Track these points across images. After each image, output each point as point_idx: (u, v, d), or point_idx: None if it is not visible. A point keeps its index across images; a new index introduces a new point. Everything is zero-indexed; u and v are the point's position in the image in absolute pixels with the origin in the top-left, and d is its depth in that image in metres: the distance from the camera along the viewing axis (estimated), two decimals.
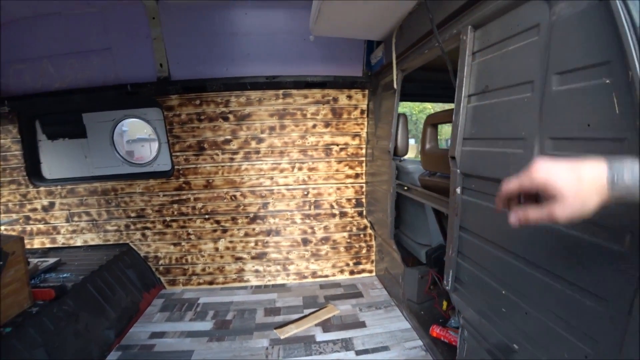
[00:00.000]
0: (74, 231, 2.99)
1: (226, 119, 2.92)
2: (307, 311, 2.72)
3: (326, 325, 2.53)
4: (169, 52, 2.64)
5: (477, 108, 1.46)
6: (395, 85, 2.37)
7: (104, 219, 2.98)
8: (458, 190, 1.59)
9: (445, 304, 2.51)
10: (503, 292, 1.30)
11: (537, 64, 1.08)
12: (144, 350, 2.26)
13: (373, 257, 3.36)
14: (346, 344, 2.31)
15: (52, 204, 2.94)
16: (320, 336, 2.41)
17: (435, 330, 2.25)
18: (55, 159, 2.89)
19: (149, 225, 3.01)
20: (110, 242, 3.02)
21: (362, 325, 2.55)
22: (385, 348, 2.28)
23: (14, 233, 2.96)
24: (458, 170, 1.58)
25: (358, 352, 2.23)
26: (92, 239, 3.01)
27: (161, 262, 3.08)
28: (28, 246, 2.97)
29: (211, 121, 2.91)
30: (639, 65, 0.74)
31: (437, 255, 2.52)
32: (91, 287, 2.39)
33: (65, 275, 2.40)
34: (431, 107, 12.97)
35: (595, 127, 0.89)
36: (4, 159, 2.81)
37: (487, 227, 1.42)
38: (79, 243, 3.02)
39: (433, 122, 2.18)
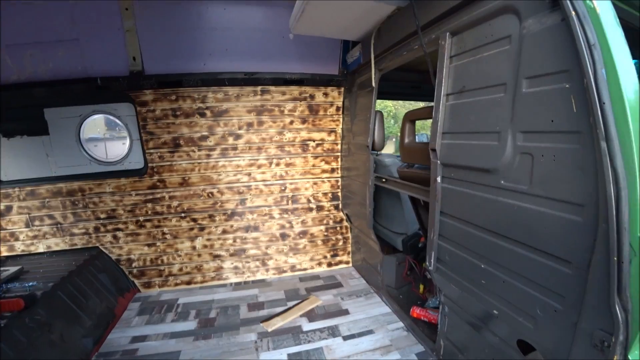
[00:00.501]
0: (35, 237, 2.70)
1: (203, 114, 2.83)
2: (290, 303, 2.74)
3: (311, 315, 2.57)
4: (143, 46, 2.49)
5: (455, 106, 1.61)
6: (373, 84, 2.47)
7: (69, 221, 2.73)
8: (438, 178, 1.74)
9: (422, 287, 2.66)
10: (482, 266, 1.47)
11: (509, 69, 1.26)
12: (127, 356, 2.13)
13: (349, 249, 3.45)
14: (333, 331, 2.37)
15: (9, 208, 2.63)
16: (307, 326, 2.44)
17: (416, 311, 2.38)
18: (12, 158, 2.58)
19: (120, 226, 2.82)
20: (78, 247, 2.77)
21: (345, 312, 2.62)
22: (370, 332, 2.37)
23: None
24: (438, 161, 1.73)
25: (345, 337, 2.31)
26: (57, 244, 2.74)
27: (135, 264, 2.89)
28: None
29: (187, 117, 2.80)
30: (592, 74, 0.93)
31: (413, 242, 2.67)
32: (62, 294, 2.20)
33: (31, 283, 2.18)
34: (392, 105, 13.49)
35: (558, 123, 1.08)
36: None
37: (465, 209, 1.58)
38: (41, 249, 2.73)
39: (411, 118, 2.31)
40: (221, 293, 2.93)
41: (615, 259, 0.92)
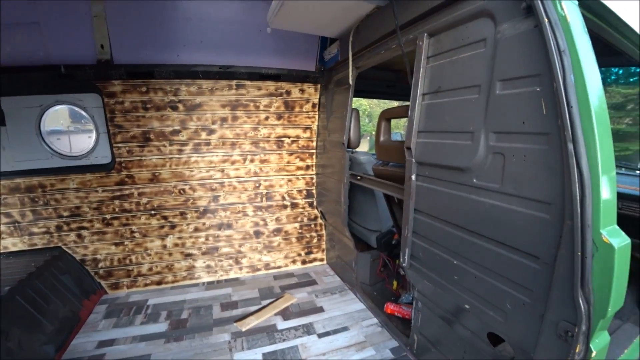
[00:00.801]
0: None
1: (175, 108, 2.73)
2: (264, 302, 2.72)
3: (285, 314, 2.57)
4: (113, 33, 2.36)
5: (431, 105, 1.66)
6: (350, 81, 2.48)
7: (28, 220, 2.56)
8: (413, 176, 1.80)
9: (395, 283, 2.73)
10: (455, 262, 1.54)
11: (484, 72, 1.32)
12: None
13: (324, 246, 3.47)
14: (308, 329, 2.39)
15: None
16: (282, 324, 2.44)
17: (390, 307, 2.45)
18: None
19: (85, 224, 2.68)
20: (39, 247, 2.60)
21: (320, 310, 2.64)
22: (345, 328, 2.41)
23: None
24: (413, 160, 1.78)
25: (320, 335, 2.33)
26: (15, 244, 2.55)
27: (101, 264, 2.76)
28: None
29: (158, 110, 2.69)
30: (561, 79, 0.99)
31: (387, 239, 2.73)
32: (20, 298, 2.06)
33: None
34: (367, 104, 13.64)
35: (528, 124, 1.15)
36: None
37: (438, 207, 1.64)
38: (12, 248, 2.55)
39: (387, 116, 2.34)
40: (193, 293, 2.86)
41: (580, 254, 0.99)
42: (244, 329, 2.36)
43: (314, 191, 3.35)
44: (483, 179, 1.35)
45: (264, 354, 2.11)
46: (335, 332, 2.36)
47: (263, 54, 2.79)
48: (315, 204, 3.37)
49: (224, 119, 2.90)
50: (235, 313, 2.57)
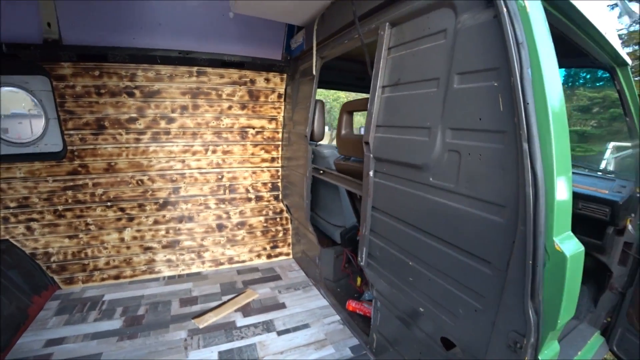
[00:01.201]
0: None
1: (131, 94, 2.65)
2: (225, 298, 2.74)
3: (246, 310, 2.60)
4: (60, 11, 2.24)
5: (390, 98, 1.65)
6: (314, 72, 2.46)
7: None
8: (371, 173, 1.80)
9: (359, 280, 2.80)
10: (410, 263, 1.55)
11: (443, 64, 1.30)
12: None
13: (290, 240, 3.50)
14: (267, 326, 2.42)
15: None
16: (241, 321, 2.47)
17: (352, 305, 2.51)
18: None
19: (35, 216, 2.60)
20: None
21: (282, 306, 2.68)
22: (305, 326, 2.45)
23: None
24: (371, 155, 1.78)
25: (280, 332, 2.37)
26: None
27: (54, 258, 2.71)
28: None
29: (113, 96, 2.60)
30: (518, 73, 0.98)
31: (351, 235, 2.78)
32: (21, 278, 2.02)
33: None
34: (345, 96, 13.50)
35: (485, 121, 1.13)
36: None
37: (395, 206, 1.64)
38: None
39: (349, 109, 2.34)
40: (152, 288, 2.85)
41: (530, 262, 0.98)
42: (201, 326, 2.38)
43: (280, 184, 3.35)
44: (439, 177, 1.34)
45: (220, 353, 2.14)
46: (295, 329, 2.40)
47: (226, 40, 2.72)
48: (280, 197, 3.37)
49: (184, 108, 2.84)
50: (194, 309, 2.58)
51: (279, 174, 3.34)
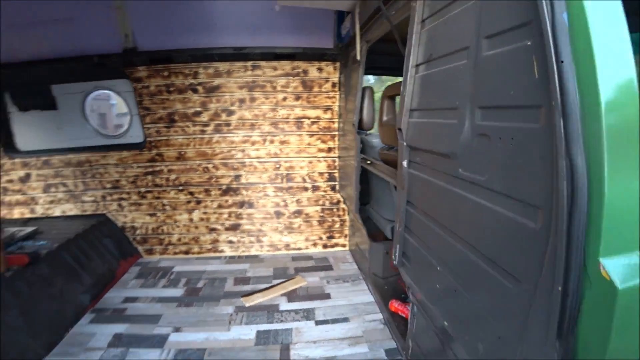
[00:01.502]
0: (51, 202, 3.22)
1: (195, 90, 3.01)
2: (275, 281, 2.92)
3: (291, 296, 2.73)
4: (134, 22, 2.69)
5: (423, 78, 1.47)
6: (358, 57, 2.40)
7: (80, 189, 3.18)
8: (404, 163, 1.64)
9: None
10: (438, 268, 1.35)
11: (473, 28, 1.06)
12: (116, 314, 2.51)
13: (346, 232, 3.52)
14: (307, 314, 2.50)
15: (28, 176, 3.15)
16: (284, 305, 2.61)
17: (394, 305, 2.40)
18: (29, 130, 3.06)
19: (124, 196, 3.21)
20: (88, 213, 3.23)
21: (326, 296, 2.73)
22: (345, 319, 2.44)
23: None
24: (404, 143, 1.62)
25: (318, 322, 2.42)
26: (70, 209, 3.23)
27: (138, 232, 3.30)
28: (8, 216, 3.22)
29: (180, 93, 3.00)
30: (549, 21, 0.74)
31: None
32: (66, 254, 2.62)
33: (41, 242, 2.63)
34: None
35: (517, 94, 0.88)
36: None
37: (428, 200, 1.46)
38: (57, 213, 3.25)
39: (390, 94, 2.22)
40: (214, 265, 3.23)
41: (560, 288, 0.73)
42: (247, 305, 2.60)
43: (337, 175, 3.38)
44: (468, 168, 1.11)
45: (258, 332, 2.31)
46: (334, 321, 2.43)
47: (277, 33, 2.86)
48: (337, 188, 3.41)
49: (242, 101, 3.09)
50: (245, 288, 2.84)
51: (336, 164, 3.37)
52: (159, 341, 2.23)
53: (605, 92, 0.67)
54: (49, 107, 2.96)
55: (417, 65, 1.52)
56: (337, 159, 3.35)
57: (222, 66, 2.97)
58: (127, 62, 2.81)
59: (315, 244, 3.50)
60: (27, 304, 2.17)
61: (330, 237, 3.51)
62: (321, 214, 3.45)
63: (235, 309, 2.56)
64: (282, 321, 2.43)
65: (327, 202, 3.43)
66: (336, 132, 3.28)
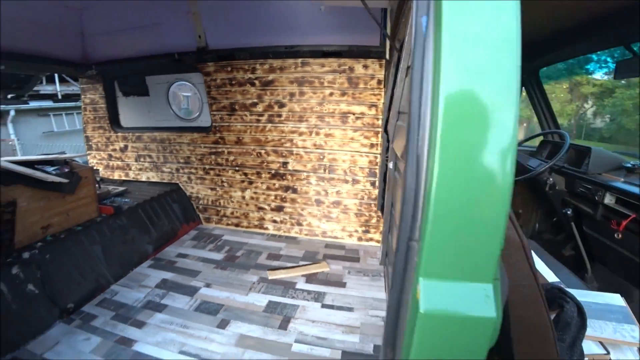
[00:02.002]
0: (140, 169, 4.10)
1: (253, 84, 3.47)
2: (302, 263, 3.25)
3: (310, 278, 3.00)
4: (205, 25, 3.25)
5: (408, 81, 1.61)
6: (387, 56, 2.52)
7: (161, 162, 3.99)
8: (390, 165, 1.85)
9: None
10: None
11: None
12: (168, 264, 3.16)
13: (382, 228, 3.62)
14: (317, 296, 2.73)
15: (126, 147, 4.07)
16: (301, 285, 2.89)
17: None
18: (129, 112, 3.96)
19: (193, 170, 3.90)
20: (165, 181, 4.03)
21: (342, 285, 2.91)
22: (350, 309, 2.60)
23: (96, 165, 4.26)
24: (391, 145, 1.81)
25: (324, 306, 2.63)
26: (153, 176, 4.07)
27: (201, 202, 3.97)
28: (110, 177, 4.23)
29: (240, 86, 3.49)
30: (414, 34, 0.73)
31: None
32: (142, 211, 3.38)
33: (126, 200, 3.45)
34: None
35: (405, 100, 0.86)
36: (94, 110, 4.01)
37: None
38: (143, 179, 4.13)
39: None
40: (256, 239, 3.70)
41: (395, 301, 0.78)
42: (270, 278, 2.99)
43: (377, 171, 3.51)
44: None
45: (269, 301, 2.67)
46: (339, 308, 2.61)
47: (325, 31, 3.10)
48: (377, 184, 3.53)
49: (292, 94, 3.43)
50: (274, 263, 3.22)
51: (377, 160, 3.50)
52: (192, 291, 2.77)
53: (445, 102, 0.64)
54: (143, 94, 3.80)
55: (408, 68, 1.65)
56: (378, 156, 3.47)
57: (276, 63, 3.36)
58: (199, 59, 3.41)
59: (350, 235, 3.70)
60: (108, 244, 2.93)
61: (366, 231, 3.67)
62: (359, 207, 3.62)
63: (259, 279, 2.96)
64: (293, 297, 2.72)
65: (365, 197, 3.59)
66: (380, 129, 3.40)
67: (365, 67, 3.23)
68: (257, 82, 3.46)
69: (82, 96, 4.05)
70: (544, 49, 2.83)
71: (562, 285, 1.64)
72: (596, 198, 2.41)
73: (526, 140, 3.31)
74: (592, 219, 2.50)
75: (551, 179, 2.80)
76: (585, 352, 1.35)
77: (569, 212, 2.69)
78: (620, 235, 2.27)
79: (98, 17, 3.38)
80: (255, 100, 3.52)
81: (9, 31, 2.79)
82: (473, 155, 0.64)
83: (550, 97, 3.32)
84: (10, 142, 9.21)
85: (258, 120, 3.58)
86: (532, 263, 0.95)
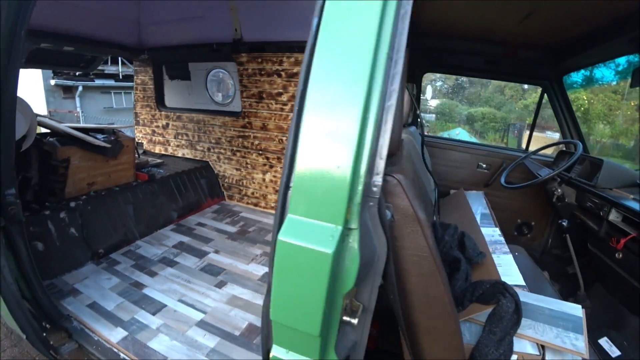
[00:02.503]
0: (177, 146, 4.64)
1: (279, 75, 3.80)
2: None
3: None
4: (241, 19, 3.64)
5: None
6: None
7: (195, 140, 4.48)
8: None
9: None
10: None
11: None
12: (188, 230, 3.61)
13: None
14: None
15: (167, 125, 4.62)
16: None
17: None
18: (172, 93, 4.50)
19: (222, 151, 4.34)
20: (198, 158, 4.53)
21: None
22: None
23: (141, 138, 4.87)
24: None
25: None
26: (187, 153, 4.59)
27: (226, 180, 4.41)
28: (151, 150, 4.83)
29: (268, 76, 3.84)
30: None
31: None
32: (172, 182, 3.88)
33: (161, 171, 3.97)
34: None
35: None
36: (144, 90, 4.61)
37: None
38: (179, 154, 4.66)
39: None
40: (270, 219, 4.04)
41: None
42: None
43: None
44: None
45: (265, 273, 3.00)
46: None
47: None
48: None
49: None
50: None
51: None
52: (202, 254, 3.18)
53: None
54: (185, 78, 4.31)
55: None
56: None
57: (300, 56, 3.65)
58: (234, 49, 3.81)
59: None
60: (139, 205, 3.44)
61: None
62: None
63: (262, 252, 3.30)
64: None
65: None
66: None
67: None
68: (283, 73, 3.79)
69: (135, 77, 4.69)
70: (567, 54, 2.78)
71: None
72: (601, 214, 2.38)
73: (540, 149, 3.29)
74: (597, 235, 2.47)
75: (559, 190, 2.77)
76: (519, 350, 1.42)
77: (564, 224, 2.68)
78: (620, 255, 2.24)
79: (152, 8, 3.92)
80: (281, 91, 3.86)
81: (79, 18, 3.39)
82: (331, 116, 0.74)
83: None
84: (75, 114, 10.63)
85: (282, 109, 3.92)
86: (430, 237, 1.01)
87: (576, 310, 1.64)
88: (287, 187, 0.83)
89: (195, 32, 3.89)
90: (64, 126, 3.10)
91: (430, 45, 3.15)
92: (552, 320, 1.56)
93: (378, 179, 0.77)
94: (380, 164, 0.77)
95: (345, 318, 0.83)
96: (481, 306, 1.55)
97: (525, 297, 1.70)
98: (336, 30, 0.75)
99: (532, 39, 2.66)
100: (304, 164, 0.76)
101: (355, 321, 0.83)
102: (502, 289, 1.53)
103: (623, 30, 2.13)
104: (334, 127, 0.73)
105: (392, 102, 0.76)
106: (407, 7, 0.76)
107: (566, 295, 2.72)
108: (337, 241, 0.74)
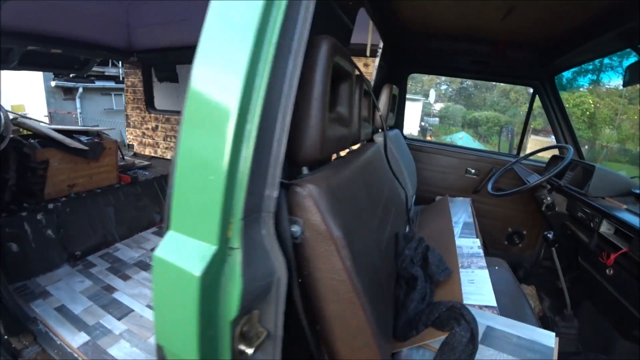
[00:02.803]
0: (167, 148, 4.66)
1: None
2: None
3: None
4: None
5: None
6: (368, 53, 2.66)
7: None
8: None
9: None
10: None
11: None
12: None
13: None
14: None
15: (156, 127, 4.65)
16: None
17: None
18: (161, 95, 4.53)
19: None
20: None
21: None
22: None
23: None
24: None
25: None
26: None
27: None
28: (141, 152, 4.86)
29: None
30: None
31: None
32: (156, 185, 3.90)
33: (146, 173, 3.99)
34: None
35: None
36: (134, 92, 4.65)
37: None
38: (168, 157, 4.68)
39: None
40: None
41: None
42: None
43: None
44: None
45: None
46: None
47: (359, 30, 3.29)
48: None
49: None
50: None
51: None
52: None
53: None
54: (174, 80, 4.34)
55: None
56: None
57: None
58: None
59: None
60: (121, 208, 3.46)
61: None
62: None
63: None
64: None
65: None
66: None
67: (366, 65, 3.38)
68: None
69: (125, 79, 4.73)
70: (557, 52, 2.67)
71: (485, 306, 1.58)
72: (592, 225, 2.26)
73: (529, 155, 3.17)
74: (587, 248, 2.35)
75: (549, 198, 2.65)
76: None
77: (549, 235, 2.55)
78: (611, 272, 2.10)
79: (141, 10, 3.95)
80: None
81: (68, 20, 3.43)
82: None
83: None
84: (74, 115, 10.82)
85: None
86: (347, 258, 0.91)
87: (548, 339, 1.47)
88: (170, 199, 0.74)
89: (183, 34, 3.90)
90: (45, 127, 3.13)
91: (414, 45, 3.06)
92: (518, 351, 1.39)
93: (273, 191, 0.70)
94: (276, 172, 0.69)
95: (241, 347, 0.73)
96: (437, 331, 1.42)
97: (493, 321, 1.54)
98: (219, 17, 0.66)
99: (519, 37, 2.55)
100: (182, 174, 0.68)
101: (250, 351, 0.73)
102: (458, 315, 1.34)
103: (608, 26, 2.03)
104: (209, 130, 0.63)
105: (291, 101, 0.68)
106: None
107: (555, 313, 2.61)
108: (208, 262, 0.65)
